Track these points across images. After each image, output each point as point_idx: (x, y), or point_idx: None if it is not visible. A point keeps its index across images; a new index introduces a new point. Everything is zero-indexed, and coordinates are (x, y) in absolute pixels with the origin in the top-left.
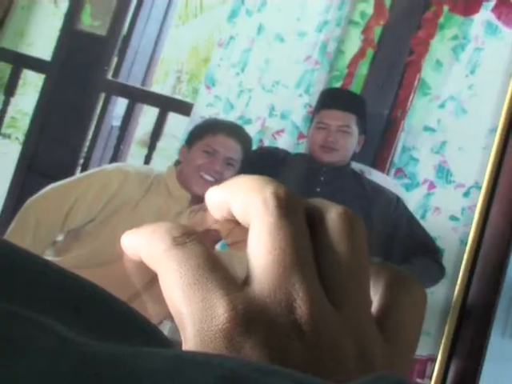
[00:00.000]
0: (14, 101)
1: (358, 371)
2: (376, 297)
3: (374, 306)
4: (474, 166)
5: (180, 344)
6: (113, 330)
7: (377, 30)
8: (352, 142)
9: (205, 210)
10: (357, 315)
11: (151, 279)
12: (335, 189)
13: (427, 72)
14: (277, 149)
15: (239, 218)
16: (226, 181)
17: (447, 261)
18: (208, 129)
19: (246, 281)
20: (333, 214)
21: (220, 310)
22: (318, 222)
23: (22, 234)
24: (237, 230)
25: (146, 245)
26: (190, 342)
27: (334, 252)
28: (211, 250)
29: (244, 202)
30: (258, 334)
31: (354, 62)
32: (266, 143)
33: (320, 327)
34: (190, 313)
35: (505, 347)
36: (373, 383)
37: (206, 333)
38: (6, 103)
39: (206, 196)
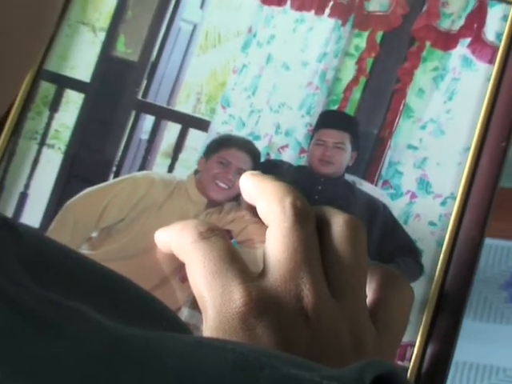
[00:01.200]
0: (58, 116)
1: (353, 355)
2: (370, 292)
3: (368, 300)
4: (450, 179)
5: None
6: (139, 316)
7: (369, 62)
8: (346, 156)
9: (219, 212)
10: (354, 307)
11: (178, 267)
12: (331, 197)
13: (411, 98)
14: (281, 161)
15: (261, 216)
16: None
17: (426, 260)
18: (223, 143)
19: (262, 273)
20: (340, 221)
21: (237, 296)
22: (325, 227)
23: (62, 231)
24: (247, 230)
25: (176, 238)
26: (210, 321)
27: (338, 253)
28: (231, 244)
29: (267, 206)
30: (269, 317)
31: (349, 88)
32: (272, 156)
33: (322, 315)
34: (211, 297)
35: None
36: (365, 369)
37: (224, 314)
38: (51, 118)
39: (241, 179)
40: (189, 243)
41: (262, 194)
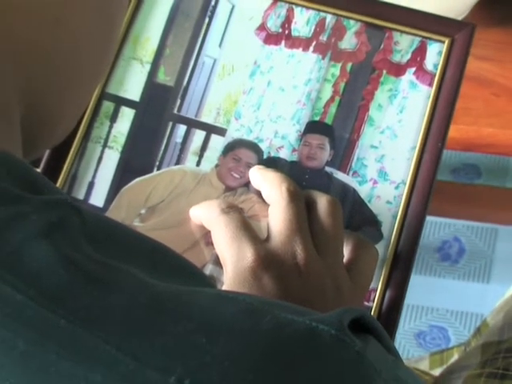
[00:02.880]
0: (116, 126)
1: (333, 298)
2: (345, 252)
3: (344, 258)
4: (402, 170)
5: (217, 280)
6: (173, 274)
7: (341, 85)
8: (326, 154)
9: (233, 195)
10: (334, 262)
11: (204, 234)
12: (315, 183)
13: (373, 111)
14: (279, 158)
15: (264, 197)
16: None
17: (384, 229)
18: (236, 145)
19: (266, 238)
20: (323, 200)
21: (248, 255)
22: (312, 205)
23: (119, 210)
24: (254, 208)
25: (205, 213)
26: (229, 273)
27: (322, 223)
28: (244, 217)
29: (269, 190)
30: (272, 270)
31: (327, 105)
32: (272, 154)
33: (311, 268)
34: (230, 256)
35: (412, 278)
36: (344, 313)
37: (239, 268)
38: (111, 127)
39: (250, 171)
40: (214, 216)
41: (265, 181)
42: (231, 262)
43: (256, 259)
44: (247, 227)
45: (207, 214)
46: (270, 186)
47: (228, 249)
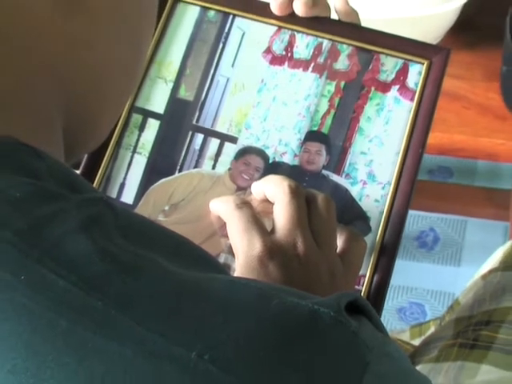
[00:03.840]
0: (143, 134)
1: (329, 283)
2: (339, 243)
3: (338, 248)
4: (388, 173)
5: (229, 267)
6: (193, 263)
7: (336, 100)
8: (322, 159)
9: (243, 194)
10: (329, 252)
11: (219, 227)
12: (313, 185)
13: (363, 123)
14: (283, 162)
15: (269, 197)
16: (261, 178)
17: (372, 223)
18: (246, 151)
19: (272, 231)
20: (320, 198)
21: (257, 245)
22: (311, 202)
23: (146, 206)
24: (261, 205)
25: (222, 207)
26: (240, 261)
27: (319, 218)
28: (255, 212)
29: (272, 189)
30: (277, 259)
31: (324, 117)
32: (277, 159)
33: (310, 257)
34: (241, 246)
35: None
36: (341, 297)
37: (249, 257)
38: (139, 136)
39: (252, 186)
40: (230, 210)
41: (270, 183)
42: (242, 252)
43: (263, 250)
44: (257, 221)
45: (224, 207)
46: (274, 186)
47: (240, 240)
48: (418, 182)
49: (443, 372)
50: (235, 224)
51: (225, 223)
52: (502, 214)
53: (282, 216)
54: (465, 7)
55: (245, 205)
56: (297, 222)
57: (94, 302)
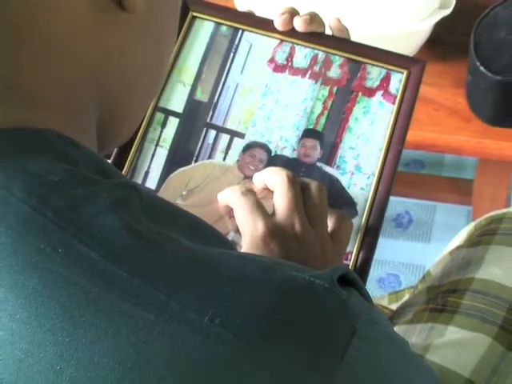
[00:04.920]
0: (165, 130)
1: (321, 258)
2: (330, 224)
3: (329, 228)
4: (372, 165)
5: (237, 244)
6: (206, 240)
7: (329, 103)
8: (317, 153)
9: (249, 182)
10: (321, 231)
11: (228, 211)
12: (309, 175)
13: (351, 122)
14: (283, 155)
15: (269, 185)
16: (263, 169)
17: (359, 208)
18: (251, 145)
19: (273, 214)
20: (314, 185)
21: (260, 226)
22: (306, 189)
23: (166, 192)
24: (262, 193)
25: (230, 195)
26: (245, 240)
27: (313, 202)
28: (258, 198)
29: (272, 178)
30: (278, 238)
31: (319, 117)
32: (278, 153)
33: (305, 236)
34: (247, 227)
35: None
36: (333, 271)
37: (253, 237)
38: (161, 132)
39: (254, 176)
40: (237, 197)
41: (270, 173)
42: (248, 232)
43: (266, 230)
44: (260, 205)
45: (231, 195)
46: (273, 175)
47: (246, 222)
48: (396, 176)
49: (416, 332)
50: (241, 208)
51: (232, 209)
52: (466, 200)
53: (281, 201)
54: (436, 26)
55: (249, 192)
56: (294, 207)
57: (121, 272)
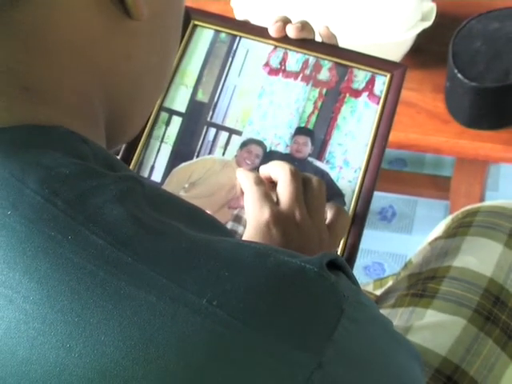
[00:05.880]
0: (169, 128)
1: (318, 246)
2: (328, 216)
3: (326, 220)
4: (359, 160)
5: (235, 232)
6: (206, 228)
7: (319, 104)
8: (308, 149)
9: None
10: (319, 222)
11: (227, 201)
12: (301, 169)
13: (340, 121)
14: (277, 151)
15: (273, 177)
16: (264, 164)
17: (347, 199)
18: (248, 142)
19: (277, 202)
20: (313, 179)
21: (265, 213)
22: (307, 183)
23: (170, 184)
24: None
25: (244, 180)
26: (250, 224)
27: (313, 195)
28: (266, 187)
29: (276, 171)
30: (280, 225)
31: (310, 117)
32: (272, 149)
33: (305, 226)
34: (253, 212)
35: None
36: (323, 256)
37: (258, 223)
38: (165, 130)
39: (260, 168)
40: (250, 184)
41: (275, 167)
42: (254, 217)
43: (270, 216)
44: (268, 195)
45: (245, 181)
46: (278, 168)
47: (254, 207)
48: (381, 171)
49: (398, 315)
50: (252, 195)
51: (236, 197)
52: (444, 195)
53: (284, 192)
54: (418, 36)
55: (261, 182)
56: (295, 198)
57: (126, 257)
